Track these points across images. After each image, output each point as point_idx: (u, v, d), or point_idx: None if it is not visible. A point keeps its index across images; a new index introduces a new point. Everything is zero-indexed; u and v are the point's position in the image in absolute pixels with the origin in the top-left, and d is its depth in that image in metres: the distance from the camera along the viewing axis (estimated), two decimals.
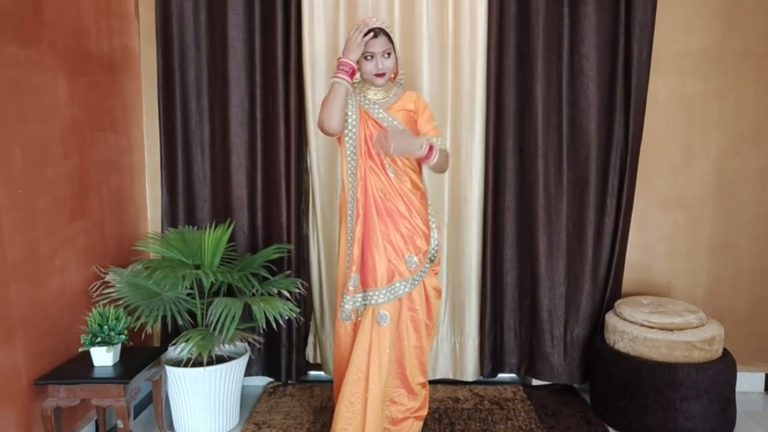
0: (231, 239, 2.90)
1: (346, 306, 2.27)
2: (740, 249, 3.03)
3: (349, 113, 2.27)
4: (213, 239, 2.70)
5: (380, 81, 2.28)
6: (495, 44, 2.84)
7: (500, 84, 2.88)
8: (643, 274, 3.06)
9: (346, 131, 2.29)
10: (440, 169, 2.34)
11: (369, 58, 2.23)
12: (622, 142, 2.85)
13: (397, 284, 2.26)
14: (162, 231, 2.97)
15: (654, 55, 2.81)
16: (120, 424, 2.22)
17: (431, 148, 2.17)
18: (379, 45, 2.21)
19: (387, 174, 2.29)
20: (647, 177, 2.97)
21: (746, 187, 3.00)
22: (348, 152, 2.31)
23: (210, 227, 2.75)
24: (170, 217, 2.99)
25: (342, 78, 2.17)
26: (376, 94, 2.32)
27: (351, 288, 2.26)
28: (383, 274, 2.24)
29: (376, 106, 2.30)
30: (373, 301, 2.24)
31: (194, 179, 3.00)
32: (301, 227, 3.04)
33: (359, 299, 2.27)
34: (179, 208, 2.98)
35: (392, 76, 2.35)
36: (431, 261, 2.37)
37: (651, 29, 2.78)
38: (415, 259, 2.28)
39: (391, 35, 2.26)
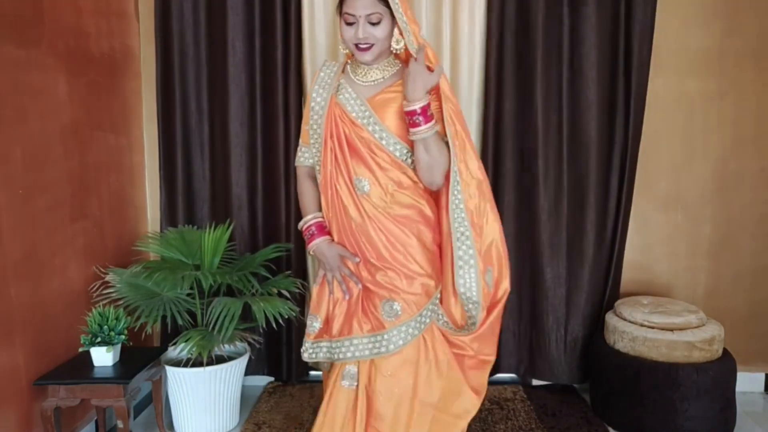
0: (231, 239, 2.89)
1: (305, 354, 1.74)
2: (740, 249, 3.03)
3: (315, 106, 1.69)
4: (213, 239, 2.70)
5: (366, 56, 1.61)
6: (494, 45, 2.83)
7: (499, 84, 2.87)
8: (643, 274, 3.06)
9: (311, 130, 1.72)
10: (433, 163, 1.58)
11: (349, 23, 1.58)
12: (622, 142, 2.85)
13: (355, 340, 1.60)
14: (161, 231, 2.97)
15: (654, 55, 2.81)
16: (120, 424, 2.22)
17: (425, 109, 1.53)
18: (361, 6, 1.53)
19: (354, 191, 1.65)
20: (647, 177, 2.97)
21: (746, 187, 2.99)
22: (315, 159, 1.74)
23: (210, 227, 2.75)
24: (170, 217, 2.99)
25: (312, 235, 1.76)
26: (367, 74, 1.67)
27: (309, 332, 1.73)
28: (340, 321, 1.67)
29: (353, 96, 1.65)
30: (337, 356, 1.65)
31: (194, 179, 3.00)
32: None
33: (323, 348, 1.70)
34: (179, 208, 2.98)
35: (400, 49, 1.64)
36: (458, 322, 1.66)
37: (651, 29, 2.78)
38: (396, 306, 1.60)
39: None
